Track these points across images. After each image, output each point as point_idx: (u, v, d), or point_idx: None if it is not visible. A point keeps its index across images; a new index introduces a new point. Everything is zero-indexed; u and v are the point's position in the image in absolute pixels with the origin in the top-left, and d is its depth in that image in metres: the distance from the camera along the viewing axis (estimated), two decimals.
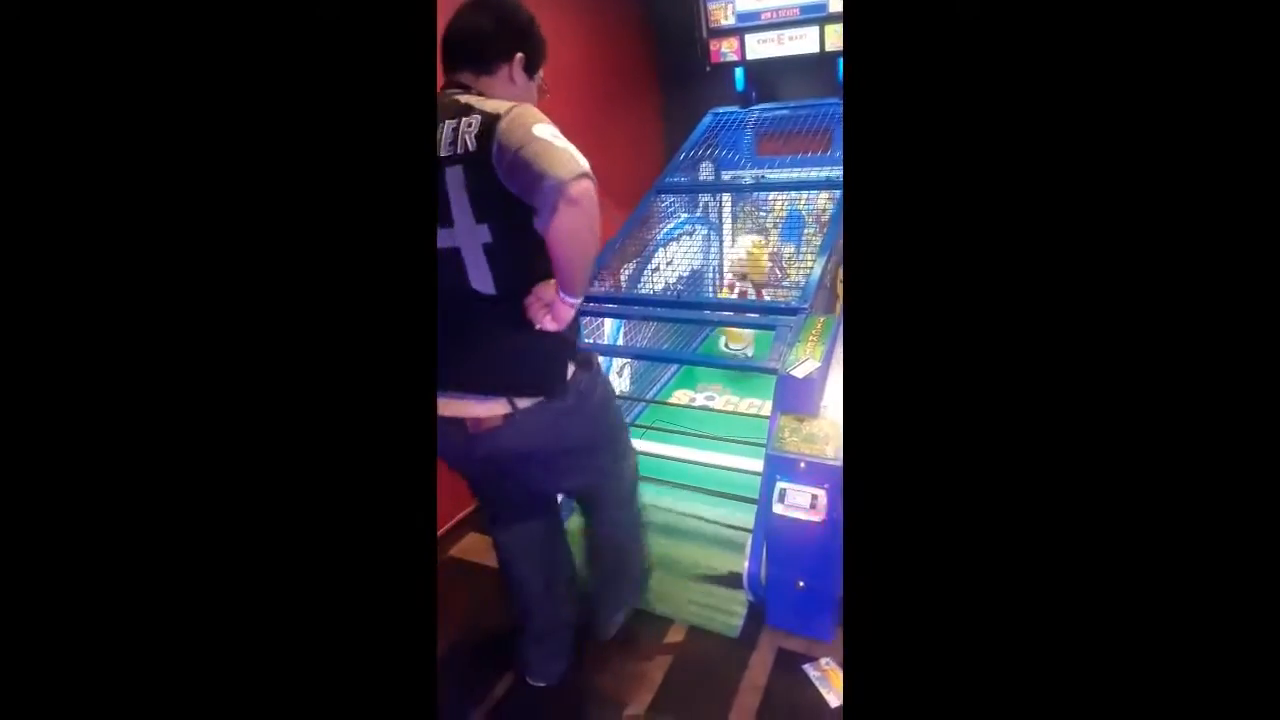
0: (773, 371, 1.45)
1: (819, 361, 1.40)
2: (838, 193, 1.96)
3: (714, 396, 2.28)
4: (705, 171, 2.53)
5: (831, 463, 1.33)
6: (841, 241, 1.89)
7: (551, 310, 0.99)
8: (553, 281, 0.99)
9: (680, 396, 2.29)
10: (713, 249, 2.67)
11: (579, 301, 1.01)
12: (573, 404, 1.10)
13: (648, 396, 2.25)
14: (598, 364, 1.21)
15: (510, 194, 0.91)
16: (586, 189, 0.88)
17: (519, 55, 1.05)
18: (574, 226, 0.89)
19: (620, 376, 2.18)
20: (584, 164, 0.88)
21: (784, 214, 2.50)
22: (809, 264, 1.81)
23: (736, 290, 2.31)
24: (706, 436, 1.82)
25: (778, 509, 1.36)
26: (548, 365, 1.07)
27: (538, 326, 1.01)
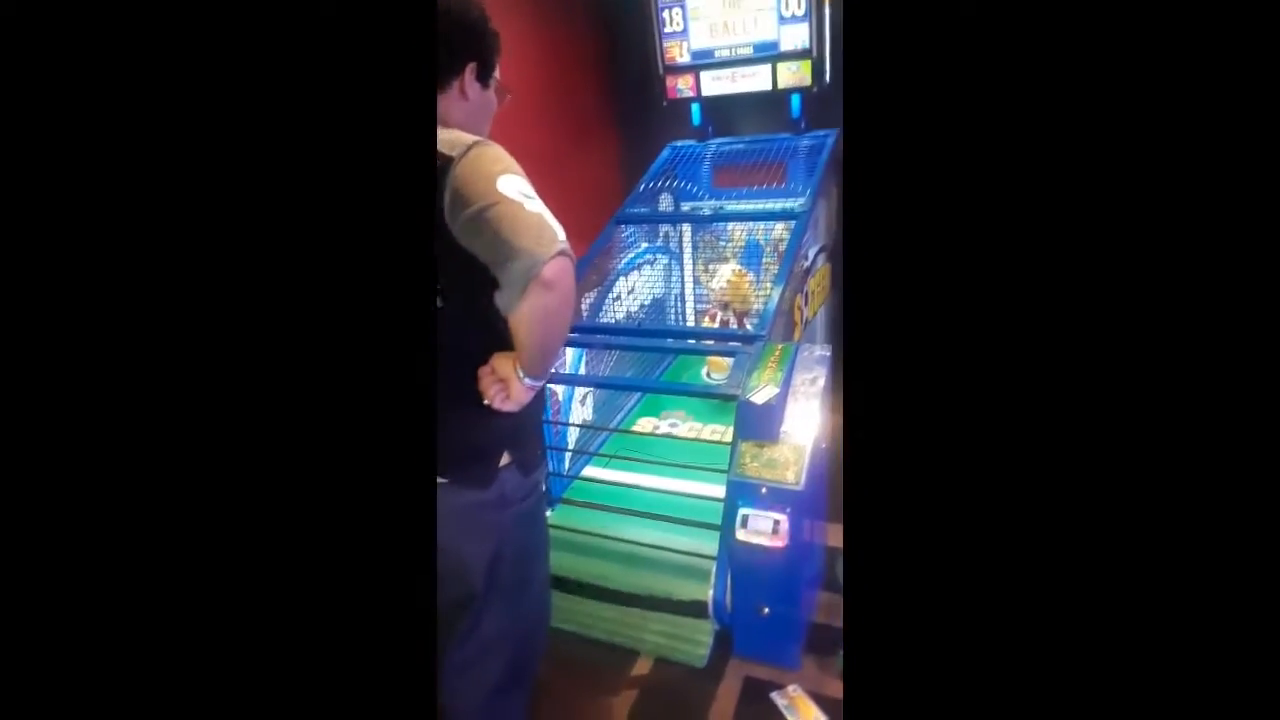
0: (733, 397, 1.47)
1: (778, 388, 1.42)
2: (793, 223, 2.02)
3: (677, 424, 2.28)
4: (664, 202, 2.58)
5: (792, 488, 1.34)
6: (796, 269, 1.94)
7: (508, 388, 0.84)
8: (512, 355, 0.83)
9: (644, 424, 2.29)
10: (674, 278, 2.72)
11: (541, 384, 0.86)
12: (490, 500, 0.91)
13: (611, 425, 2.25)
14: (543, 473, 1.02)
15: (465, 252, 0.77)
16: (564, 269, 0.75)
17: (471, 65, 0.87)
18: (546, 311, 0.75)
19: (583, 405, 2.17)
20: (560, 236, 0.75)
21: (743, 243, 2.57)
22: (767, 291, 1.85)
23: (719, 319, 2.34)
24: (670, 464, 1.83)
25: (740, 535, 1.37)
26: (469, 444, 0.88)
27: (487, 402, 0.85)
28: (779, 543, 1.34)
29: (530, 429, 0.97)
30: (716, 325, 2.30)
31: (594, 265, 2.12)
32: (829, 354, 1.55)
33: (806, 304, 2.10)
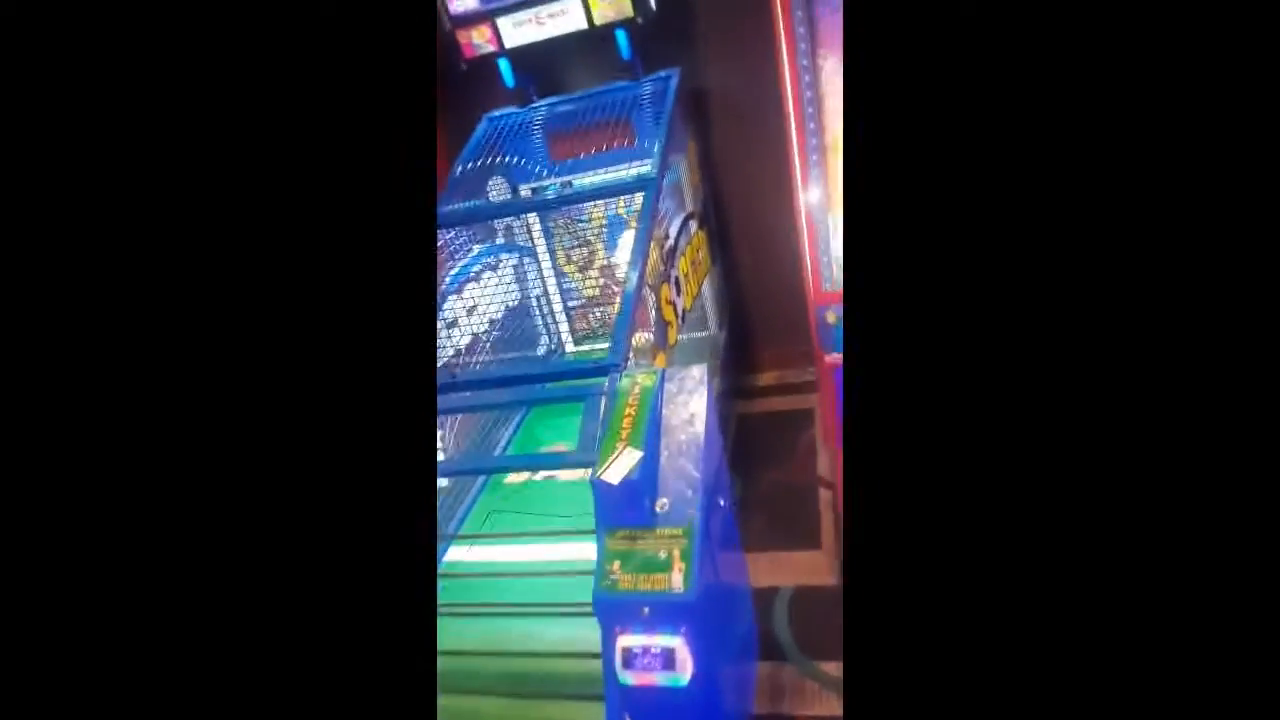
0: (588, 465, 1.05)
1: (641, 449, 1.01)
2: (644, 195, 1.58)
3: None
4: (498, 189, 2.10)
5: (682, 596, 0.94)
6: (656, 250, 1.52)
7: None
8: None
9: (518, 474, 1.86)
10: (531, 278, 2.25)
11: None
12: None
13: (471, 486, 1.80)
14: None
15: None
16: None
17: None
18: None
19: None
20: None
21: (605, 221, 2.12)
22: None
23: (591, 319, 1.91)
24: (546, 533, 1.42)
25: (625, 678, 0.96)
26: None
27: None
28: (680, 677, 0.94)
29: None
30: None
31: None
32: (703, 374, 1.14)
33: (679, 293, 1.69)
